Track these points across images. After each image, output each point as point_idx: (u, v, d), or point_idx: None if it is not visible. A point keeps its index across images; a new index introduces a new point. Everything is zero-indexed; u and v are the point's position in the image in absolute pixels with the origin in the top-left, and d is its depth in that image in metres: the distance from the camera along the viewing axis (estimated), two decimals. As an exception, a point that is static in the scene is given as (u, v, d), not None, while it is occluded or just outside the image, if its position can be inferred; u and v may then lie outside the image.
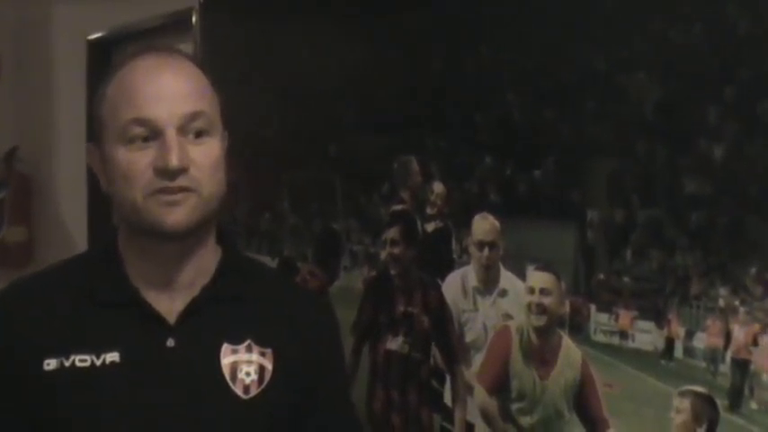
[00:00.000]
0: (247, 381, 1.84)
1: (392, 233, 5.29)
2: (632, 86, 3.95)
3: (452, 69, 4.70)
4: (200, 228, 1.84)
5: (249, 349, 1.87)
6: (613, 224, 5.31)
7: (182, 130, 1.81)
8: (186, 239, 1.84)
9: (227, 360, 1.85)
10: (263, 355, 1.87)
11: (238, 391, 1.84)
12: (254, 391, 1.85)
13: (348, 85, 5.29)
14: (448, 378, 5.55)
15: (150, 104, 1.80)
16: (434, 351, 5.38)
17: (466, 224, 5.78)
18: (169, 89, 1.81)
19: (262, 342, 1.87)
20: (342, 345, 2.05)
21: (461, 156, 5.22)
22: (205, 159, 1.82)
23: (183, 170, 1.78)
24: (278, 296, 1.97)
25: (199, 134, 1.83)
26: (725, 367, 5.02)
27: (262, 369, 1.86)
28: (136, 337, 1.87)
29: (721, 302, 5.47)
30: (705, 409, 4.67)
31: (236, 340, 1.87)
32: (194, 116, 1.82)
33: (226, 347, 1.87)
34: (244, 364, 1.85)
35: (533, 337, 4.71)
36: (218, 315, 1.89)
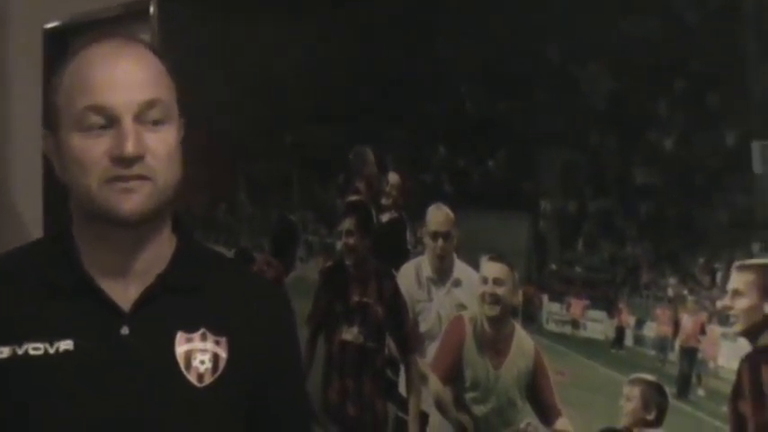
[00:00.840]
0: (201, 369, 1.83)
1: (347, 223, 5.28)
2: (584, 78, 3.96)
3: (407, 60, 4.70)
4: (155, 216, 1.82)
5: (204, 338, 1.86)
6: (565, 214, 5.33)
7: (138, 117, 1.80)
8: (141, 227, 1.83)
9: (181, 348, 1.84)
10: (217, 343, 1.86)
11: (192, 379, 1.83)
12: (208, 380, 1.84)
13: (304, 76, 5.28)
14: (402, 368, 5.55)
15: (107, 92, 1.78)
16: (389, 341, 5.38)
17: (420, 214, 5.79)
18: (126, 76, 1.80)
19: (216, 331, 1.86)
20: (297, 336, 2.04)
21: (416, 146, 5.23)
22: (161, 147, 1.81)
23: (139, 158, 1.77)
24: (234, 285, 1.96)
25: (155, 122, 1.82)
26: (674, 355, 5.05)
27: (216, 357, 1.85)
28: (90, 326, 1.85)
29: (670, 292, 5.52)
30: (654, 397, 4.72)
31: (190, 329, 1.86)
32: (151, 104, 1.81)
33: (180, 336, 1.86)
34: (198, 353, 1.84)
35: (487, 326, 4.72)
36: (173, 303, 1.88)
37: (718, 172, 4.20)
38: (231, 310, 1.90)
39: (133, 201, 1.76)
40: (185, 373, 1.84)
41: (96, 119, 1.78)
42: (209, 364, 1.85)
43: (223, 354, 1.86)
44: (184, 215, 1.95)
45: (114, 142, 1.77)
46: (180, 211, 1.96)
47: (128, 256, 1.85)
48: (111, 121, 1.79)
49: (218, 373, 1.85)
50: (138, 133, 1.77)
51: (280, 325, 1.96)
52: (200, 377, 1.84)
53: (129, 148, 1.74)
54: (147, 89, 1.81)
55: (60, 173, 1.86)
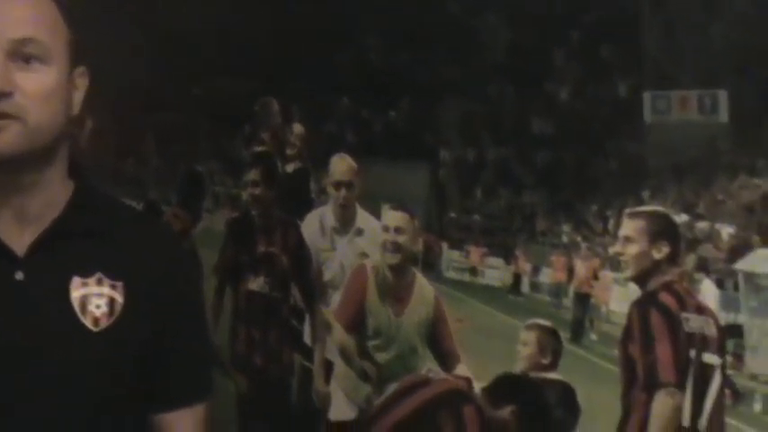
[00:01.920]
0: (97, 313, 1.80)
1: (253, 174, 5.23)
2: (484, 30, 3.96)
3: (311, 13, 4.66)
4: (31, 157, 1.79)
5: (99, 282, 1.82)
6: (464, 163, 5.42)
7: (11, 54, 1.76)
8: (21, 168, 1.79)
9: (77, 293, 1.81)
10: (113, 288, 1.83)
11: (88, 323, 1.80)
12: (104, 324, 1.81)
13: (211, 29, 5.19)
14: (307, 317, 5.55)
15: None
16: (294, 290, 5.37)
17: (324, 164, 5.78)
18: (4, 14, 1.77)
19: (113, 275, 1.83)
20: (198, 285, 2.02)
21: (320, 97, 5.19)
22: (34, 87, 1.77)
23: (4, 95, 1.74)
24: (132, 231, 1.92)
25: (31, 61, 1.78)
26: (568, 301, 5.18)
27: (112, 302, 1.82)
28: None
29: (565, 239, 5.71)
30: (550, 342, 4.79)
31: (86, 273, 1.82)
32: (26, 42, 1.77)
33: (76, 280, 1.82)
34: (94, 297, 1.81)
35: (388, 274, 4.71)
36: (69, 248, 1.84)
37: (611, 122, 4.29)
38: (129, 256, 1.87)
39: (1, 139, 1.74)
40: (81, 317, 1.81)
41: None
42: (105, 309, 1.82)
43: (119, 298, 1.83)
44: (83, 161, 1.92)
45: None
46: (78, 156, 1.92)
47: (16, 198, 1.81)
48: None
49: (115, 317, 1.82)
50: (8, 70, 1.74)
51: (179, 273, 1.93)
52: (96, 321, 1.81)
53: None
54: (24, 27, 1.77)
55: None
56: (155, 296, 1.84)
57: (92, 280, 1.80)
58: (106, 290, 1.80)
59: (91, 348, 1.78)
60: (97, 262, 1.82)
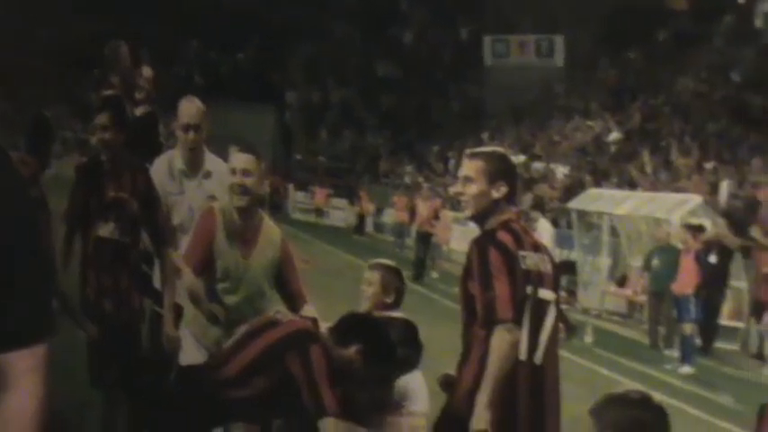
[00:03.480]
0: None
1: (102, 118, 5.07)
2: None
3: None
4: None
5: None
6: (310, 105, 5.37)
7: None
8: None
9: None
10: None
11: None
12: None
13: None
14: (156, 262, 5.44)
15: None
16: (144, 235, 5.24)
17: (172, 108, 5.65)
18: None
19: None
20: (38, 225, 1.95)
21: (168, 39, 5.05)
22: None
23: None
24: None
25: None
26: (410, 240, 5.21)
27: None
28: None
29: (407, 179, 5.75)
30: (393, 281, 4.81)
31: None
32: None
33: None
34: None
35: (236, 217, 4.64)
36: None
37: (452, 65, 4.30)
38: None
39: None
40: None
41: None
42: None
43: None
44: None
45: None
46: None
47: None
48: None
49: None
50: None
51: (17, 212, 1.86)
52: None
53: None
54: None
55: None
56: None
57: None
58: None
59: None
60: None
